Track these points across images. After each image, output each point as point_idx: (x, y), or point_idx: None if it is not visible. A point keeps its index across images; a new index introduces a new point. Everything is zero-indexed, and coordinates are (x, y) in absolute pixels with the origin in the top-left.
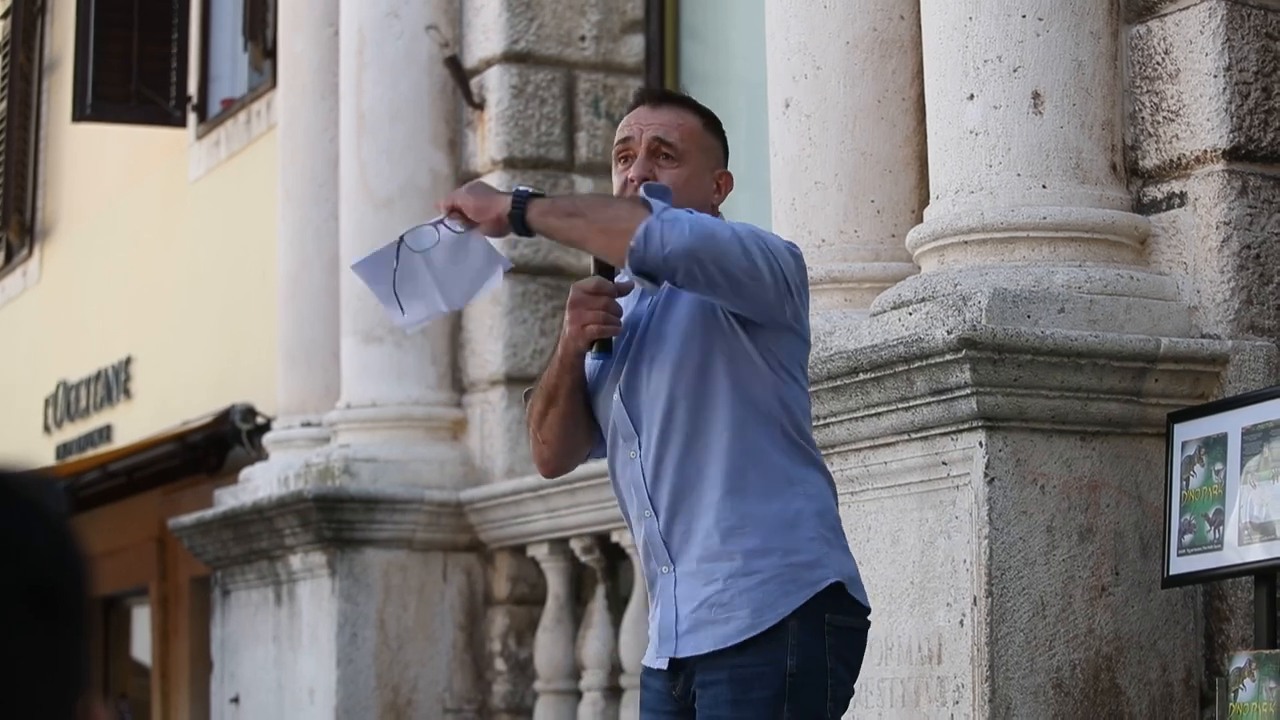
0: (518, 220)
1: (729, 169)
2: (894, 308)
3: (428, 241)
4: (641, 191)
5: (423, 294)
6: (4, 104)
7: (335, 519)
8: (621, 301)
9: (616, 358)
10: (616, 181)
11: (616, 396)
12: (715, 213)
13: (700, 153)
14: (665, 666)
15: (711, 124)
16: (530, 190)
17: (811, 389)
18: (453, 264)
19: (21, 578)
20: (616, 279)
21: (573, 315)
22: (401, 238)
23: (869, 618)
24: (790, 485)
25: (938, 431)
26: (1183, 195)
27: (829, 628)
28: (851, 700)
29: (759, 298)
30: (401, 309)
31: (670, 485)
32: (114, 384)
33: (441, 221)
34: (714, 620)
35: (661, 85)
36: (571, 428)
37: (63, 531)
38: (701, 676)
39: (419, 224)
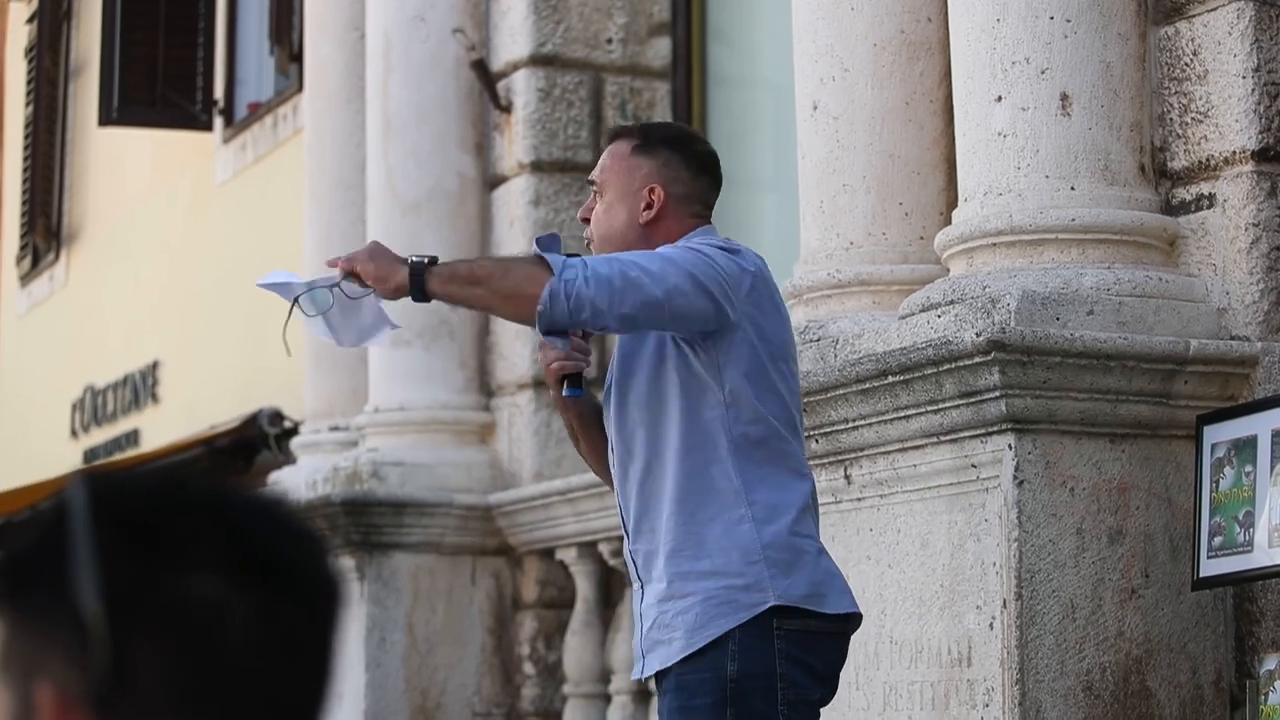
0: (417, 290)
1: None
2: (922, 310)
3: (322, 305)
4: (535, 248)
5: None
6: (30, 108)
7: (363, 523)
8: None
9: (606, 389)
10: None
11: (605, 424)
12: (644, 233)
13: (621, 176)
14: (638, 677)
15: (647, 143)
16: (427, 259)
17: (840, 391)
18: (344, 318)
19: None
20: None
21: (540, 357)
22: (296, 299)
23: (844, 622)
24: (736, 507)
25: (967, 434)
26: (1211, 197)
27: (779, 633)
28: (824, 703)
29: (690, 313)
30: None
31: (635, 507)
32: (141, 388)
33: (338, 284)
34: (661, 640)
35: (688, 86)
36: (605, 453)
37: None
38: (659, 689)
39: (316, 281)
